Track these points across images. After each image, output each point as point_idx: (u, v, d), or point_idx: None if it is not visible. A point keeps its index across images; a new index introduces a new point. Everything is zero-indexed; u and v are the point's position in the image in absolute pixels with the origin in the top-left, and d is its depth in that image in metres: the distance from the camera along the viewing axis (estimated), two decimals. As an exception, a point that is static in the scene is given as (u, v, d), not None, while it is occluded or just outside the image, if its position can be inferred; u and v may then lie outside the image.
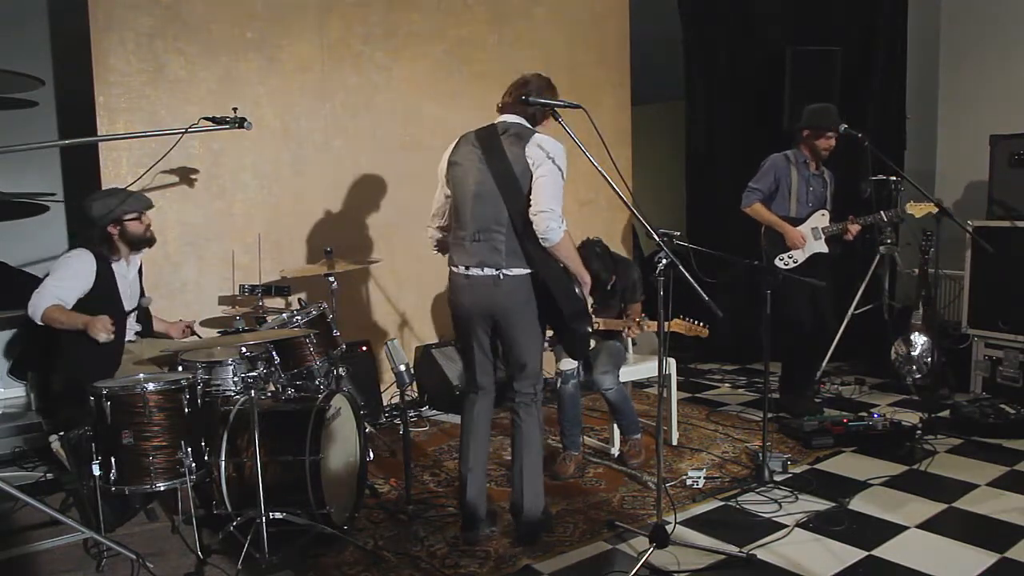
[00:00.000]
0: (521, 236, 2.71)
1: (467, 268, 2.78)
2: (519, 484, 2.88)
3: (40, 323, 3.15)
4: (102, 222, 3.27)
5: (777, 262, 4.25)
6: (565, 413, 3.63)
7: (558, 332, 2.89)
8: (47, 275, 3.23)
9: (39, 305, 3.13)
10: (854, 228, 4.29)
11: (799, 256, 4.25)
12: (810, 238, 4.25)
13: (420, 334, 4.89)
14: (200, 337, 3.69)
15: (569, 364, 3.57)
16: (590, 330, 2.83)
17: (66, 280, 3.20)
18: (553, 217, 2.64)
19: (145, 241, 3.40)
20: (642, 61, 5.76)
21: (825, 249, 4.27)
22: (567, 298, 2.75)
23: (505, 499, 3.30)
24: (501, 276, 2.73)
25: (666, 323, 3.50)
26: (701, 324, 3.59)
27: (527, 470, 2.86)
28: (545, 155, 2.69)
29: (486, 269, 2.75)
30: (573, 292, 2.78)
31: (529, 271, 2.75)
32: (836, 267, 4.46)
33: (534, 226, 2.67)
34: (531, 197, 2.68)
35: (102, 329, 3.09)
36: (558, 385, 3.60)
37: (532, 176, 2.68)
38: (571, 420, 3.64)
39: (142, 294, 3.54)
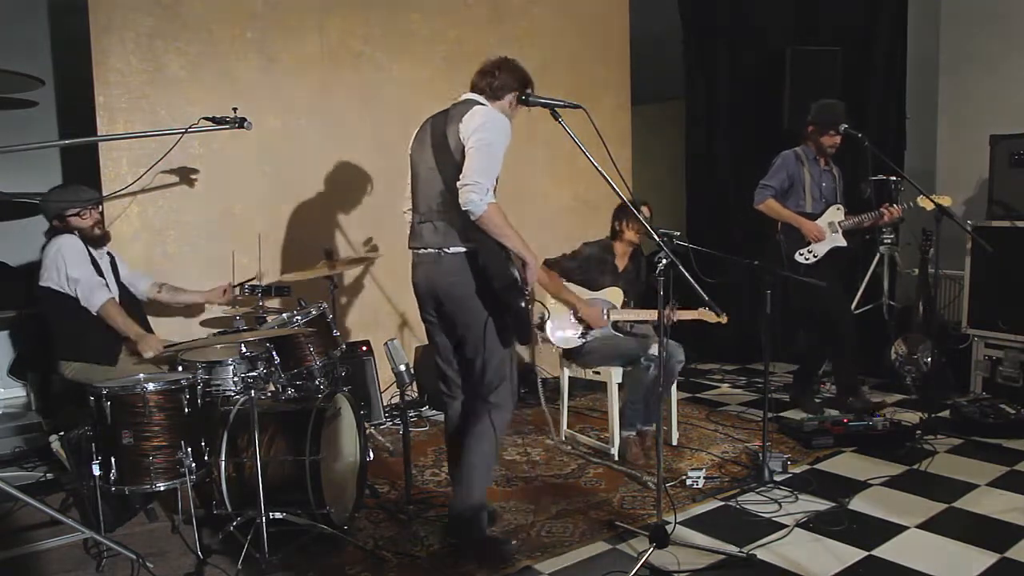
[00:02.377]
0: (459, 214, 2.59)
1: (416, 249, 2.79)
2: (458, 478, 2.81)
3: (97, 312, 3.26)
4: (47, 216, 3.39)
5: (797, 257, 4.22)
6: (649, 394, 3.67)
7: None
8: (56, 267, 3.26)
9: (97, 298, 3.25)
10: (890, 213, 4.26)
11: (819, 250, 4.23)
12: (828, 232, 4.25)
13: (420, 334, 4.88)
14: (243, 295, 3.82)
15: (656, 349, 3.60)
16: (524, 305, 2.66)
17: (82, 262, 3.29)
18: (474, 189, 2.51)
19: (94, 238, 3.43)
20: (642, 61, 5.76)
21: (844, 243, 4.27)
22: (499, 273, 2.63)
23: (504, 499, 3.32)
24: (441, 254, 2.68)
25: (688, 312, 3.72)
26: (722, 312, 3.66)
27: (466, 467, 2.77)
28: (477, 125, 2.58)
29: (429, 248, 2.72)
30: (507, 268, 2.65)
31: (465, 249, 2.66)
32: (847, 264, 4.47)
33: (459, 199, 2.55)
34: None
35: (153, 348, 3.26)
36: (650, 370, 3.62)
37: (463, 148, 2.60)
38: (651, 398, 3.67)
39: (122, 290, 3.55)
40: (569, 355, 3.96)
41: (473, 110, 2.64)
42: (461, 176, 2.55)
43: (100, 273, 3.38)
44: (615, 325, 3.91)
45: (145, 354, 3.22)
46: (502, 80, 2.77)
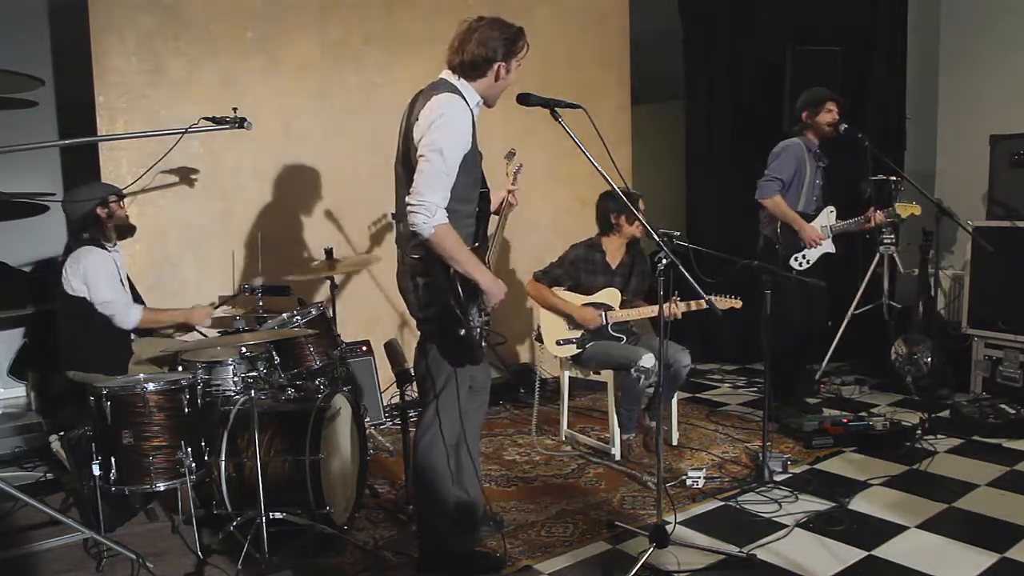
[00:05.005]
0: None
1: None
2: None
3: (137, 327, 3.34)
4: (90, 206, 3.31)
5: (792, 262, 4.15)
6: (637, 402, 3.71)
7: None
8: (90, 287, 3.22)
9: (129, 317, 3.29)
10: (876, 218, 4.20)
11: (812, 255, 4.17)
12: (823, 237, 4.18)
13: (420, 334, 4.89)
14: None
15: (647, 360, 3.57)
16: (464, 333, 2.41)
17: (112, 280, 3.27)
18: (419, 209, 2.27)
19: (129, 227, 3.44)
20: (642, 61, 5.76)
21: (833, 249, 4.21)
22: (436, 296, 2.41)
23: (504, 499, 3.32)
24: (405, 259, 2.53)
25: (689, 304, 3.69)
26: (735, 297, 3.67)
27: (417, 481, 2.62)
28: (429, 123, 2.31)
29: (398, 247, 2.59)
30: (445, 293, 2.40)
31: (419, 256, 2.44)
32: (835, 267, 4.43)
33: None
34: None
35: (204, 316, 3.34)
36: (640, 381, 3.60)
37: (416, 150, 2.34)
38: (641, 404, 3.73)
39: (132, 290, 3.55)
40: (571, 360, 3.95)
41: (431, 101, 2.36)
42: (411, 189, 2.32)
43: (121, 279, 3.37)
44: (616, 327, 3.86)
45: (202, 323, 3.35)
46: (473, 53, 2.41)
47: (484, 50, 2.41)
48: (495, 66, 2.44)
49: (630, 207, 2.74)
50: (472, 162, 2.45)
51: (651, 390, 3.81)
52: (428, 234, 2.31)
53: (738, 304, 3.66)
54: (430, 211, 2.29)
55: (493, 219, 2.80)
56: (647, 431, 3.85)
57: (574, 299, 3.85)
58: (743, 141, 5.65)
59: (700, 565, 2.69)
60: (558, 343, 3.84)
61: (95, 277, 3.22)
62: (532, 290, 3.89)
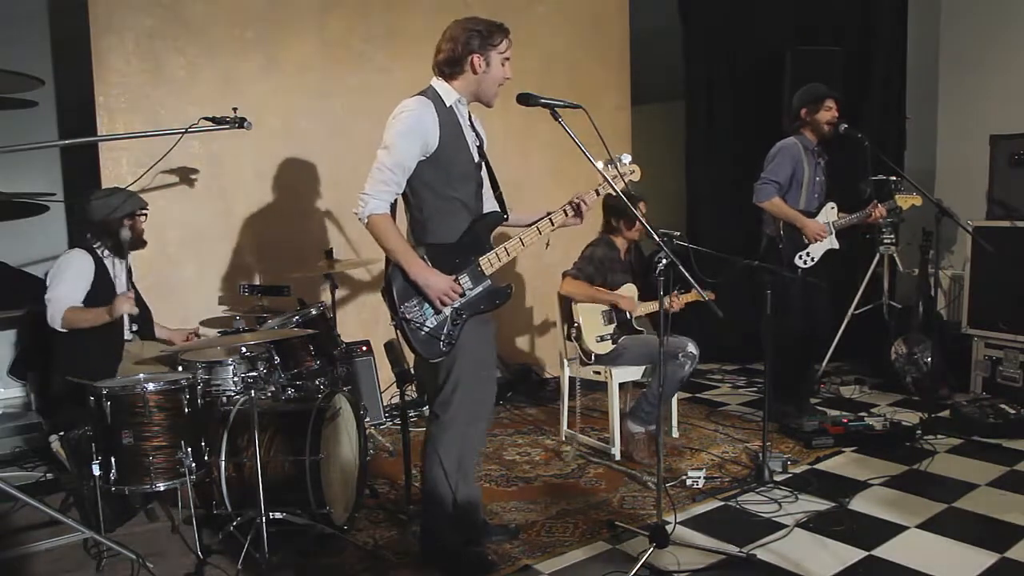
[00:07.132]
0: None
1: None
2: None
3: (63, 329, 3.17)
4: (118, 214, 3.28)
5: (796, 261, 4.10)
6: (671, 391, 3.80)
7: None
8: (49, 281, 3.23)
9: (58, 312, 3.16)
10: (878, 211, 4.14)
11: (816, 252, 4.11)
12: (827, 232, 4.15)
13: (420, 334, 4.88)
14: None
15: (692, 348, 3.69)
16: (393, 324, 2.61)
17: (71, 281, 3.22)
18: (360, 199, 2.50)
19: (142, 242, 3.44)
20: (642, 61, 5.76)
21: (837, 245, 4.17)
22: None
23: (504, 499, 3.32)
24: None
25: (683, 297, 3.79)
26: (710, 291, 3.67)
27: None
28: (387, 127, 2.54)
29: None
30: (393, 278, 2.58)
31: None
32: (836, 267, 4.43)
33: None
34: None
35: (124, 303, 3.12)
36: (686, 367, 3.69)
37: None
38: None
39: (137, 297, 3.53)
40: (596, 359, 3.87)
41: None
42: None
43: (110, 288, 3.31)
44: (638, 321, 3.92)
45: (125, 310, 3.10)
46: (445, 50, 2.56)
47: (454, 45, 2.54)
48: (470, 59, 2.53)
49: (632, 209, 2.74)
50: (445, 158, 2.54)
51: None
52: (364, 222, 2.51)
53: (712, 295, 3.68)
54: (364, 201, 2.50)
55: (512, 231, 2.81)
56: (649, 435, 3.83)
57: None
58: (743, 141, 5.65)
59: (700, 565, 2.68)
60: (598, 339, 3.84)
61: (62, 273, 3.22)
62: (572, 287, 3.83)
